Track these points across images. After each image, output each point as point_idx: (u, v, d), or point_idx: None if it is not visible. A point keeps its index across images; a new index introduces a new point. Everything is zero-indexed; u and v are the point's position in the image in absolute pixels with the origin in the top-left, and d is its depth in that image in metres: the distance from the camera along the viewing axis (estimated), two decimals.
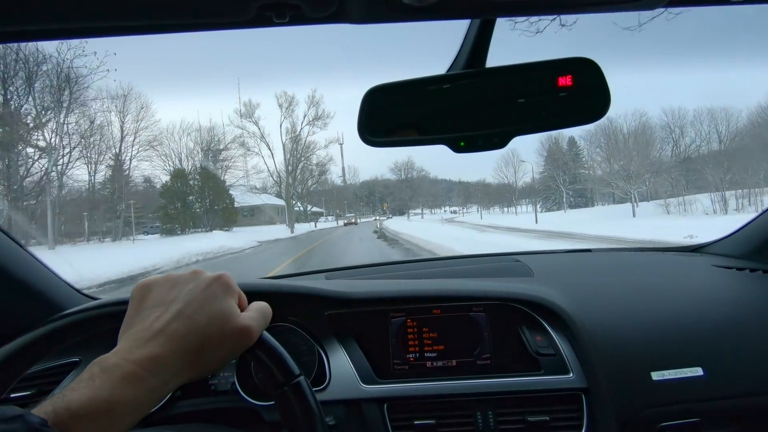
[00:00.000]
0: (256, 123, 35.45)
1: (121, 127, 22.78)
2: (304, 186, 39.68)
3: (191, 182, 28.84)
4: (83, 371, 0.37)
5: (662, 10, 0.52)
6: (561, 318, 0.90)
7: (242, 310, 0.47)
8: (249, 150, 35.07)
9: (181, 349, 0.41)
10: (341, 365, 0.89)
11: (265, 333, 0.47)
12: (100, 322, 0.53)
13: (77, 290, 1.05)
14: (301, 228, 32.86)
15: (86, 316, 0.53)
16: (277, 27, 0.48)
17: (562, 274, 1.19)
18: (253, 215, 38.45)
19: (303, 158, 39.32)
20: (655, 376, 0.81)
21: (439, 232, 17.87)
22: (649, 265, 1.26)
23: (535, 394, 0.83)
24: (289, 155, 38.26)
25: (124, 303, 0.46)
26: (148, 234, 26.05)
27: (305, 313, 0.94)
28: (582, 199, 40.97)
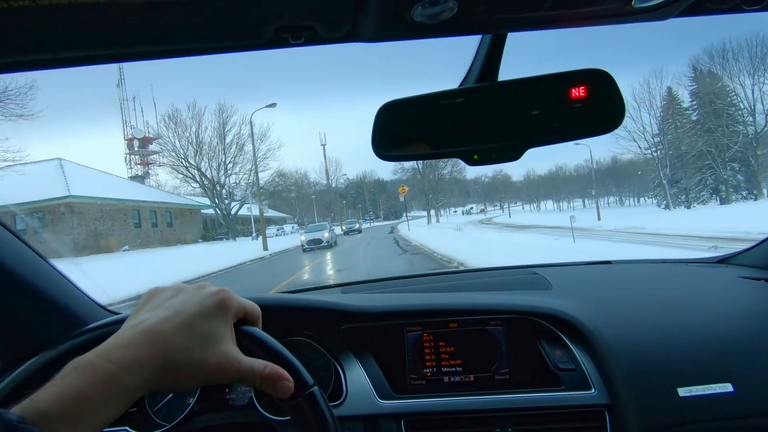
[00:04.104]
0: None
1: None
2: None
3: None
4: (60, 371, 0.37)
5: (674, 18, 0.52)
6: (581, 332, 0.88)
7: (252, 323, 0.47)
8: None
9: (160, 355, 0.39)
10: (358, 380, 0.88)
11: (278, 344, 0.47)
12: None
13: (98, 304, 1.08)
14: None
15: (109, 331, 0.55)
16: (293, 48, 0.50)
17: (581, 287, 1.17)
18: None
19: None
20: (682, 392, 0.78)
21: None
22: (673, 277, 1.22)
23: (556, 410, 0.81)
24: None
25: None
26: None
27: (321, 328, 0.94)
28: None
